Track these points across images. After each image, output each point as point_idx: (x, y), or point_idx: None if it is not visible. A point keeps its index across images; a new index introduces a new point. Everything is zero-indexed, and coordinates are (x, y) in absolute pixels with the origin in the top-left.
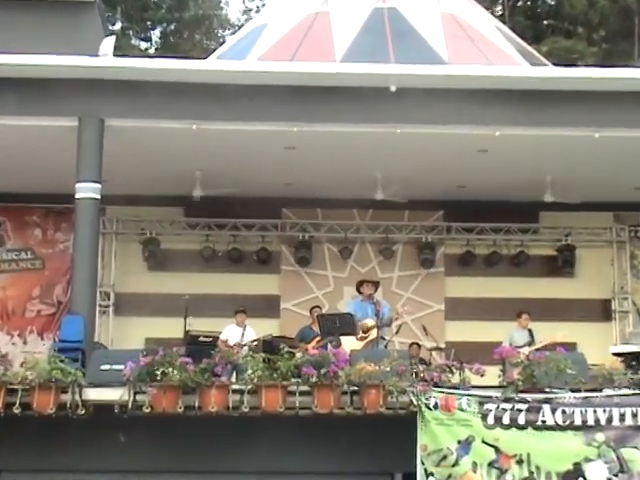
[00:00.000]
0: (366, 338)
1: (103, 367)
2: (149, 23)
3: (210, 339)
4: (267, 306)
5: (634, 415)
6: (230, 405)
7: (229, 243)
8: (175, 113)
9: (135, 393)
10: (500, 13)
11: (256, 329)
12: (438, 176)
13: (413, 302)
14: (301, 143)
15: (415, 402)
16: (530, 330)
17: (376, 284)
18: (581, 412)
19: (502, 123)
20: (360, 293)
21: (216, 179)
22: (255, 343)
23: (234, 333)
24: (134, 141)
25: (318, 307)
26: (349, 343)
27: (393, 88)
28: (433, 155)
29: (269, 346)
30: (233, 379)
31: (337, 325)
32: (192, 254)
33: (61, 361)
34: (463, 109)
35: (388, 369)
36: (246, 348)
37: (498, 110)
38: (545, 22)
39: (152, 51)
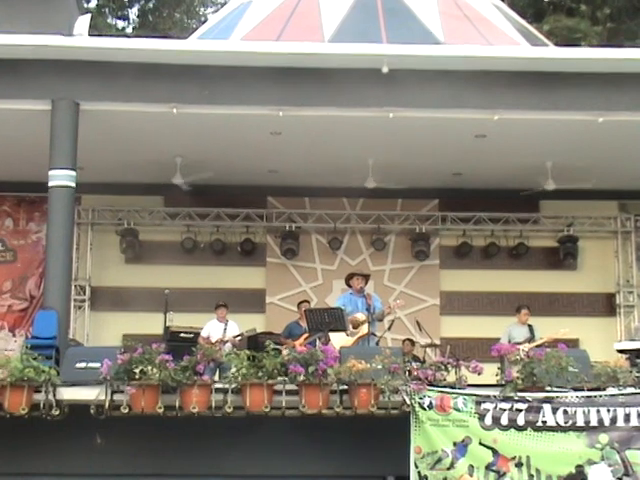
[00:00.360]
0: (357, 334)
1: (78, 365)
2: (126, 1)
3: (191, 335)
4: (252, 300)
5: None
6: (213, 405)
7: (212, 234)
8: (154, 96)
9: (112, 393)
10: None
11: (241, 325)
12: (433, 163)
13: (406, 296)
14: (287, 128)
15: (408, 402)
16: (530, 326)
17: (367, 277)
18: (584, 412)
19: (501, 107)
20: (350, 287)
21: (197, 166)
22: (239, 338)
23: (216, 329)
24: (111, 125)
25: (306, 301)
26: (339, 339)
27: (385, 69)
28: (428, 141)
29: (254, 343)
30: (216, 378)
31: (326, 320)
32: (172, 245)
33: (34, 359)
34: (459, 92)
35: (380, 367)
36: (229, 344)
37: (497, 93)
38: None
39: (130, 30)
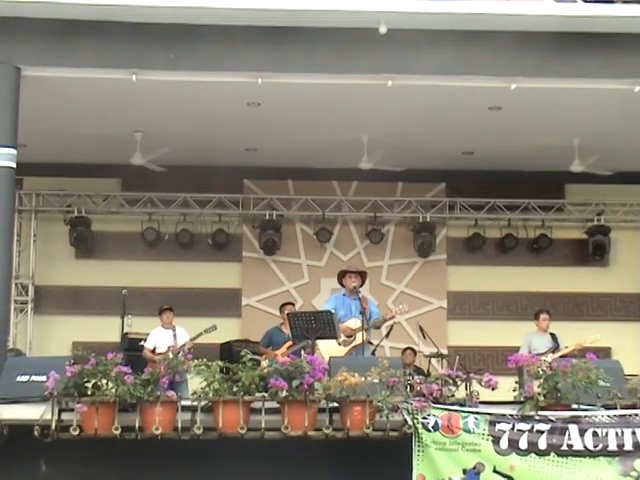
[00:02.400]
0: (350, 343)
1: (20, 379)
2: None
3: None
4: (225, 302)
5: None
6: (179, 426)
7: (178, 223)
8: (110, 60)
9: (60, 411)
10: None
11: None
12: (439, 140)
13: (408, 297)
14: (268, 98)
15: (410, 422)
16: (553, 334)
17: (362, 275)
18: (616, 434)
19: (519, 73)
20: (342, 286)
21: (161, 143)
22: (189, 347)
23: (163, 338)
24: (59, 95)
25: (290, 304)
26: (329, 349)
27: (383, 29)
28: (433, 114)
29: (228, 352)
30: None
31: (313, 326)
32: (131, 237)
33: None
34: (471, 56)
35: (376, 381)
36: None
37: (514, 57)
38: None
39: None
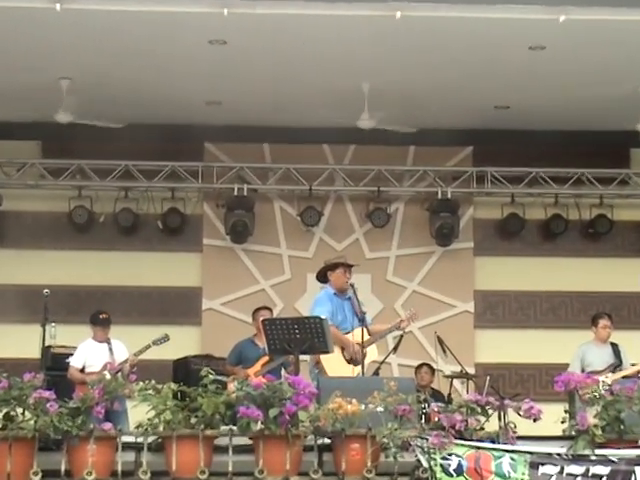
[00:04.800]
0: (362, 359)
1: None
2: None
3: None
4: (180, 306)
5: None
6: (119, 469)
7: (117, 201)
8: None
9: None
10: None
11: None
12: (464, 90)
13: (423, 299)
14: (236, 35)
15: (425, 464)
16: (615, 345)
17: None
18: None
19: (568, 2)
20: (324, 280)
21: (94, 94)
22: (131, 364)
23: (96, 353)
24: None
25: (266, 309)
26: (335, 364)
27: None
28: (455, 55)
29: (183, 371)
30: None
31: (296, 336)
32: (55, 219)
33: None
34: None
35: (381, 409)
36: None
37: None
38: None
39: None
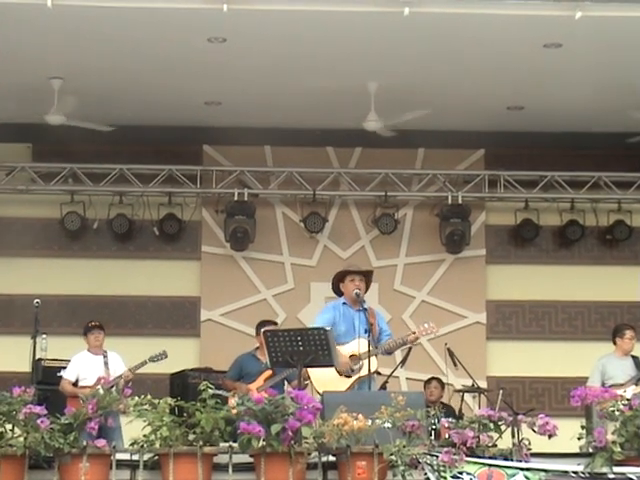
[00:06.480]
0: (356, 372)
1: None
2: None
3: None
4: (178, 317)
5: None
6: None
7: (111, 206)
8: None
9: None
10: None
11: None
12: (475, 90)
13: (432, 310)
14: (236, 32)
15: None
16: (636, 357)
17: (366, 277)
18: None
19: None
20: (338, 294)
21: (87, 94)
22: (127, 379)
23: (90, 366)
24: None
25: (272, 323)
26: (325, 380)
27: None
28: (466, 54)
29: (181, 385)
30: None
31: (299, 349)
32: (47, 225)
33: None
34: None
35: (388, 425)
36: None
37: None
38: None
39: None
